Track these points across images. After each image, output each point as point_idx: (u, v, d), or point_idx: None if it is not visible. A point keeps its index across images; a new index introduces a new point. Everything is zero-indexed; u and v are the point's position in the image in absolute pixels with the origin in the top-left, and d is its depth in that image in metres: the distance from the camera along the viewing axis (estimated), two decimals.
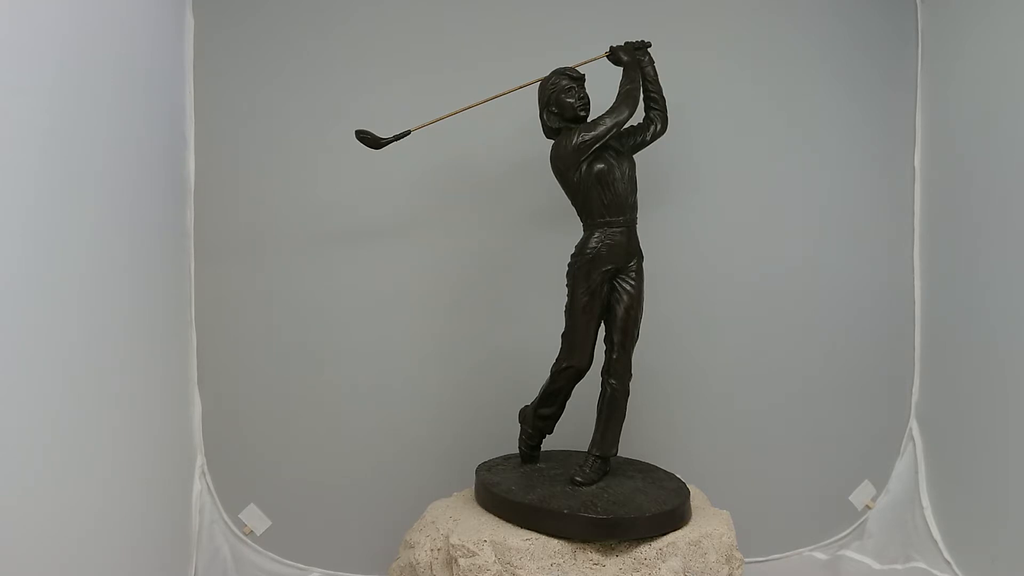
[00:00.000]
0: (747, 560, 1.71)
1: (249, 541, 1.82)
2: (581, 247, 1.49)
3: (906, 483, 1.98)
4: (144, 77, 1.50)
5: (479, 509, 1.51)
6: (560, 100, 1.51)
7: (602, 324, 1.52)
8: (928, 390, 1.98)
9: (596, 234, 1.48)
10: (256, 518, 1.83)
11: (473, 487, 1.59)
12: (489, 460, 1.66)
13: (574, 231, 1.53)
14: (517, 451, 1.65)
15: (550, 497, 1.42)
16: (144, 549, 1.43)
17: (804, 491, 1.96)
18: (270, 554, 1.82)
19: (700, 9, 1.91)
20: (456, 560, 1.36)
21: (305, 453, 1.85)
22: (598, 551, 1.36)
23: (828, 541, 1.96)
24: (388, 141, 1.57)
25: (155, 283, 1.56)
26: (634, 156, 1.55)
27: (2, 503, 0.93)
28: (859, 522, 1.98)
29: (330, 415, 1.86)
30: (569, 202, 1.53)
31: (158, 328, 1.57)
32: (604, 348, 1.52)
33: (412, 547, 1.48)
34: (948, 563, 1.85)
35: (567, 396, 1.57)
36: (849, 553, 1.94)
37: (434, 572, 1.41)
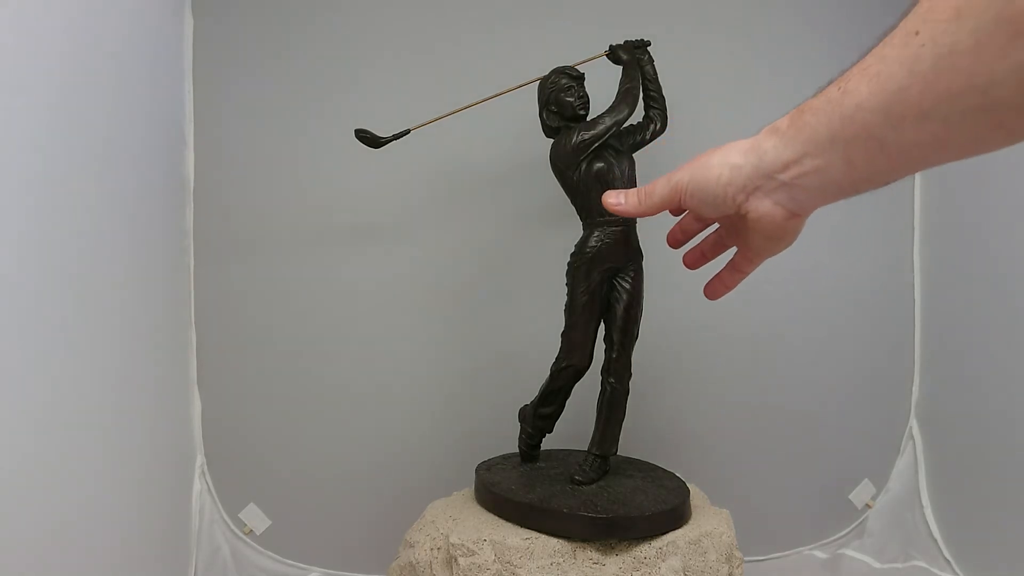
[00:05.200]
0: (747, 559, 1.71)
1: (249, 541, 1.82)
2: (581, 246, 1.49)
3: (906, 482, 1.98)
4: (144, 77, 1.50)
5: (479, 508, 1.51)
6: (559, 99, 1.51)
7: (602, 323, 1.52)
8: (928, 389, 1.98)
9: (596, 233, 1.48)
10: (256, 518, 1.83)
11: (473, 487, 1.59)
12: (489, 459, 1.66)
13: (574, 230, 1.53)
14: (517, 450, 1.65)
15: (550, 496, 1.42)
16: (144, 549, 1.43)
17: (804, 490, 1.96)
18: (270, 554, 1.82)
19: (700, 8, 1.91)
20: (456, 559, 1.36)
21: (305, 453, 1.85)
22: (598, 550, 1.36)
23: (828, 540, 1.96)
24: (387, 140, 1.57)
25: (155, 282, 1.56)
26: (633, 155, 1.56)
27: (0, 503, 0.93)
28: (859, 521, 1.98)
29: (330, 415, 1.86)
30: (569, 201, 1.53)
31: (158, 328, 1.57)
32: (604, 347, 1.52)
33: (412, 546, 1.48)
34: (948, 562, 1.85)
35: (567, 395, 1.57)
36: (849, 552, 1.94)
37: (434, 571, 1.41)
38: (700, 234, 1.09)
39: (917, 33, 0.69)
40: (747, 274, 1.06)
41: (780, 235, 0.89)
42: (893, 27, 0.72)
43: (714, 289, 1.15)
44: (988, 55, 0.62)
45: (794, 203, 0.86)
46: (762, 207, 0.88)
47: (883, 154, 0.76)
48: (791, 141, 0.86)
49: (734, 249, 1.02)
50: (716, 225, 1.04)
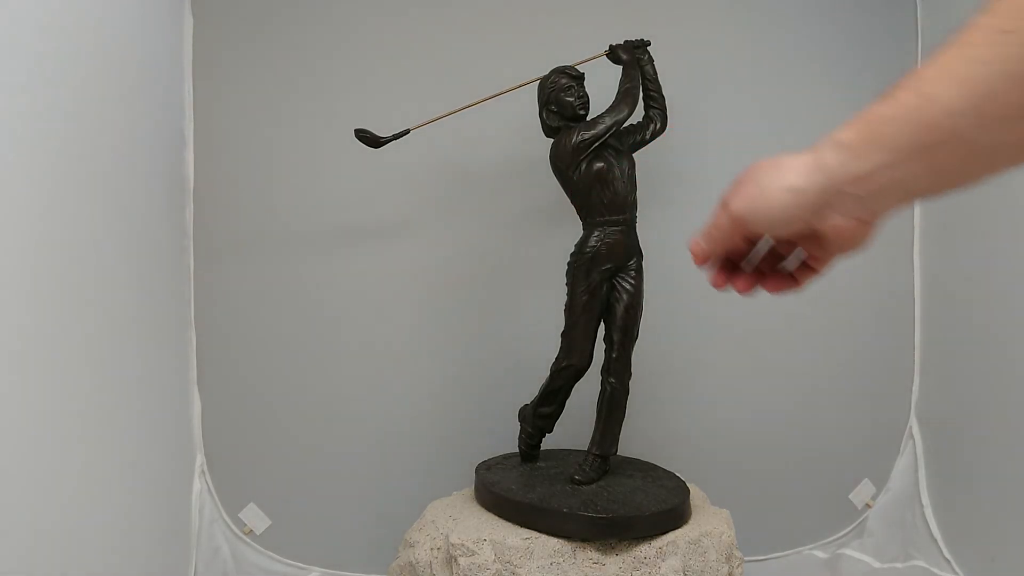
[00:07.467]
0: (747, 559, 1.71)
1: (249, 540, 1.82)
2: (581, 246, 1.49)
3: (906, 482, 1.98)
4: (143, 76, 1.50)
5: (479, 508, 1.51)
6: (559, 99, 1.51)
7: (602, 323, 1.52)
8: (928, 389, 1.98)
9: (596, 232, 1.48)
10: (256, 517, 1.83)
11: (473, 487, 1.59)
12: (489, 459, 1.66)
13: (574, 230, 1.53)
14: (517, 450, 1.65)
15: (550, 496, 1.42)
16: (144, 549, 1.43)
17: (804, 490, 1.96)
18: (270, 553, 1.82)
19: (700, 8, 1.91)
20: (456, 559, 1.36)
21: (305, 453, 1.85)
22: (598, 550, 1.36)
23: (828, 540, 1.96)
24: (387, 140, 1.57)
25: (155, 283, 1.56)
26: (633, 155, 1.56)
27: (1, 502, 0.93)
28: (859, 520, 1.98)
29: (330, 415, 1.86)
30: (569, 201, 1.53)
31: (158, 327, 1.57)
32: (604, 347, 1.52)
33: (412, 546, 1.48)
34: (948, 561, 1.85)
35: (567, 395, 1.57)
36: (849, 551, 1.94)
37: (434, 571, 1.41)
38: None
39: (1007, 32, 0.63)
40: (819, 273, 1.00)
41: (853, 241, 0.87)
42: (963, 27, 0.67)
43: (783, 287, 1.02)
44: None
45: (866, 213, 0.82)
46: (833, 221, 0.84)
47: (973, 157, 0.72)
48: (863, 154, 0.80)
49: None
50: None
